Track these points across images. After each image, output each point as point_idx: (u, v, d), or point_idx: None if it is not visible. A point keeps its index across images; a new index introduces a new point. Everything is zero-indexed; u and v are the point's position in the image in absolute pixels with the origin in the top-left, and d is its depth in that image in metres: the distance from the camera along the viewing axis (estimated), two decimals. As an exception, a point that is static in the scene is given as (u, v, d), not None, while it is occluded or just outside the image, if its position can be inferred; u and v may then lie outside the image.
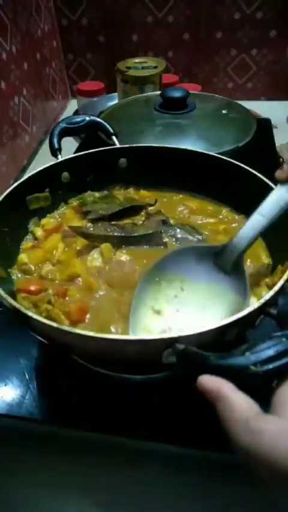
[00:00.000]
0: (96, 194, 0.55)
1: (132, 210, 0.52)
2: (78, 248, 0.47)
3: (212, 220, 0.51)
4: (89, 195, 0.55)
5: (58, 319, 0.37)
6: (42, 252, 0.46)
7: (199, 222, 0.51)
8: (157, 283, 0.39)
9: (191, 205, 0.53)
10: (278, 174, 0.36)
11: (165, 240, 0.48)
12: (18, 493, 0.47)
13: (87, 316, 0.39)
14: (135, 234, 0.47)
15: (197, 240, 0.48)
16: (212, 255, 0.39)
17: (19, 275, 0.44)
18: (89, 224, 0.50)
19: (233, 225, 0.50)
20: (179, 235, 0.48)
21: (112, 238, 0.47)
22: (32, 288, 0.41)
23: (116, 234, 0.47)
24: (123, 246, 0.47)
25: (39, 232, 0.49)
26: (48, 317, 0.37)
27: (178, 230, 0.49)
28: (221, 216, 0.51)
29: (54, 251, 0.46)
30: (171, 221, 0.50)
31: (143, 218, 0.52)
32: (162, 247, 0.47)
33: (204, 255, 0.40)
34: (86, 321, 0.39)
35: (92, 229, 0.49)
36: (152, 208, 0.53)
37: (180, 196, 0.55)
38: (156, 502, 0.44)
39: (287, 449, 0.20)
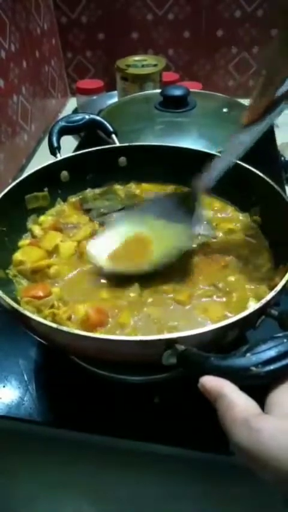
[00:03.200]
0: (97, 190, 0.54)
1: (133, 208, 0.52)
2: (79, 240, 0.46)
3: (220, 215, 0.51)
4: (89, 192, 0.54)
5: (63, 324, 0.36)
6: (41, 252, 0.45)
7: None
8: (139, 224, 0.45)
9: None
10: (242, 119, 0.39)
11: None
12: (17, 493, 0.46)
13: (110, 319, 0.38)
14: None
15: (210, 233, 0.48)
16: (184, 198, 0.44)
17: (23, 281, 0.43)
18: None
19: (237, 224, 0.50)
20: None
21: None
22: (41, 293, 0.40)
23: None
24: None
25: (37, 230, 0.48)
26: (53, 322, 0.36)
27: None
28: (228, 214, 0.51)
29: (55, 255, 0.45)
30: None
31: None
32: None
33: (181, 198, 0.45)
34: (108, 325, 0.38)
35: None
36: None
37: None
38: (156, 502, 0.44)
39: (285, 447, 0.20)
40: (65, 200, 0.54)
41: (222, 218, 0.50)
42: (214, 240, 0.47)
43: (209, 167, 0.41)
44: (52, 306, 0.38)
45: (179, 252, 0.42)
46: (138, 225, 0.45)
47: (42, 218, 0.51)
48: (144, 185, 0.55)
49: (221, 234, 0.48)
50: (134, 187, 0.55)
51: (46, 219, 0.51)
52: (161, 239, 0.43)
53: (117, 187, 0.55)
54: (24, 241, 0.47)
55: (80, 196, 0.54)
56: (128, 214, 0.46)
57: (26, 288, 0.42)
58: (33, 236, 0.48)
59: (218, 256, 0.45)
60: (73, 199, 0.54)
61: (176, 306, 0.39)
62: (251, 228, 0.48)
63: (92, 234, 0.47)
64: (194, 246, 0.46)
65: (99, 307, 0.39)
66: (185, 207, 0.44)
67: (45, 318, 0.37)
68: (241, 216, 0.50)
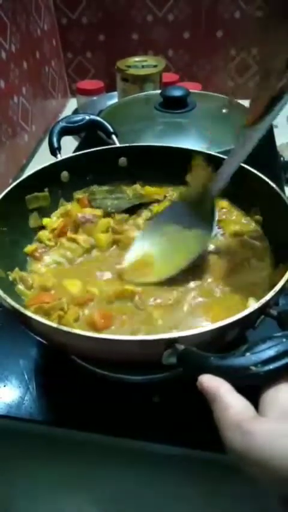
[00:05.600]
0: (104, 187, 0.54)
1: (140, 207, 0.52)
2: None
3: (225, 217, 0.51)
4: (96, 188, 0.54)
5: (69, 326, 0.36)
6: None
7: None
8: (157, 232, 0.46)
9: None
10: (246, 119, 0.38)
11: None
12: (18, 493, 0.46)
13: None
14: None
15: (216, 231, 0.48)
16: (195, 205, 0.45)
17: (28, 293, 0.43)
18: None
19: (241, 227, 0.49)
20: None
21: None
22: (48, 299, 0.39)
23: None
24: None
25: (44, 236, 0.48)
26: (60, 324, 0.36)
27: None
28: (233, 217, 0.51)
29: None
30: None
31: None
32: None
33: (193, 205, 0.45)
34: (112, 327, 0.38)
35: None
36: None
37: None
38: (156, 502, 0.44)
39: (278, 449, 0.20)
40: (68, 200, 0.53)
41: (227, 220, 0.50)
42: (218, 242, 0.47)
43: (220, 169, 0.41)
44: (62, 309, 0.38)
45: (195, 256, 0.42)
46: (155, 237, 0.46)
47: (45, 221, 0.50)
48: (148, 188, 0.54)
49: (226, 236, 0.48)
50: (139, 189, 0.55)
51: (50, 221, 0.50)
52: (177, 248, 0.44)
53: (124, 187, 0.55)
54: (31, 246, 0.47)
55: (87, 193, 0.53)
56: (147, 228, 0.47)
57: (33, 297, 0.41)
58: (40, 242, 0.48)
59: (217, 258, 0.45)
60: (80, 195, 0.53)
61: (176, 307, 0.40)
62: (254, 231, 0.48)
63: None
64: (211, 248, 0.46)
65: (105, 312, 0.39)
66: (196, 211, 0.44)
67: (52, 320, 0.36)
68: (244, 220, 0.50)
